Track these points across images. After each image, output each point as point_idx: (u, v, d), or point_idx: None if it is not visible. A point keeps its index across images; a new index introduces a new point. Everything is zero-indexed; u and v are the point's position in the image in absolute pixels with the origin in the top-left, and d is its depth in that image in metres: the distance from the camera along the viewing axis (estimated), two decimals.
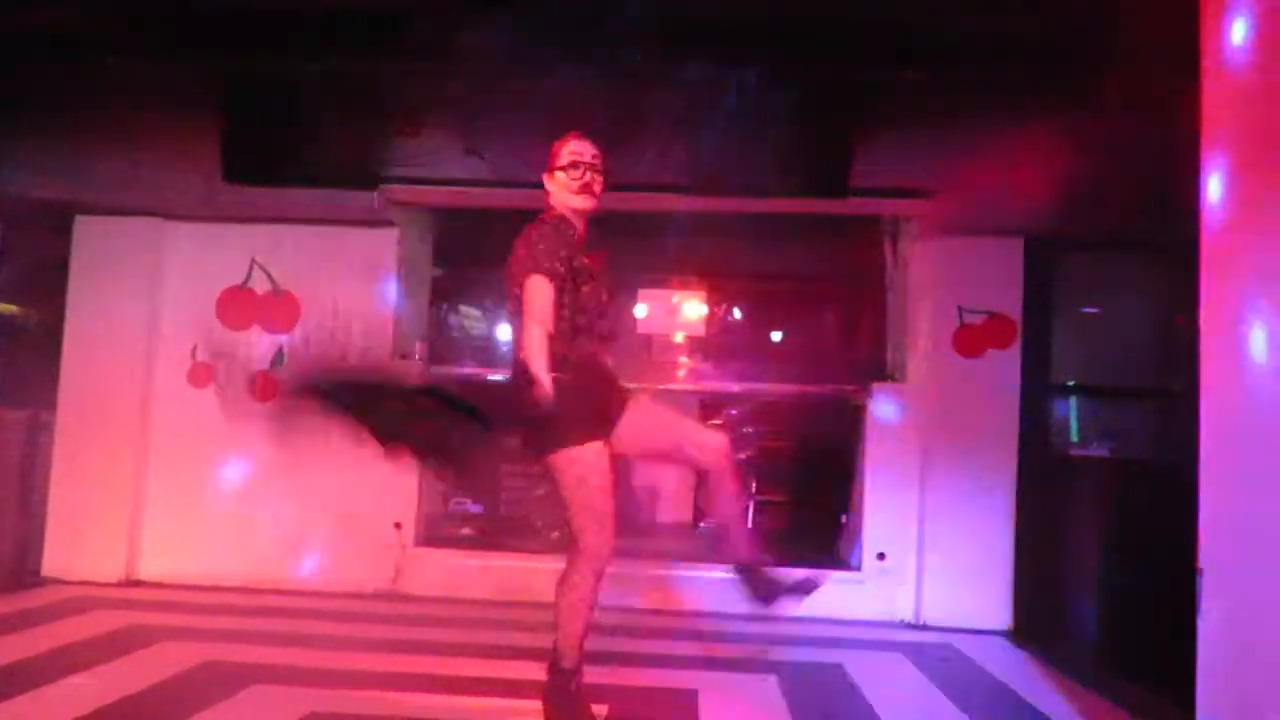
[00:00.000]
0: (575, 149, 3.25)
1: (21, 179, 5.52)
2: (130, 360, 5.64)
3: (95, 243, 5.69)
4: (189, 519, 5.63)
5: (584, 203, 3.24)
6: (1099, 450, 5.40)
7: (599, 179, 3.25)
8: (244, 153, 5.21)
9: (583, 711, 3.22)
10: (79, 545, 5.53)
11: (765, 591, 3.50)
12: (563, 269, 3.10)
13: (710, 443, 3.37)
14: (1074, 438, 5.82)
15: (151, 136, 5.43)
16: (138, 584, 5.55)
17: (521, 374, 3.05)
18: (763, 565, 3.51)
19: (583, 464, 3.10)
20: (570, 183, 3.22)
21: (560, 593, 3.15)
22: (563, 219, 3.24)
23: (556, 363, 3.06)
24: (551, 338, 3.05)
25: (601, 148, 3.30)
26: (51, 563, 5.54)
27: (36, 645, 4.14)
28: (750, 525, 3.53)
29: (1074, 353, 5.66)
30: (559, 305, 3.11)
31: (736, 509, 3.62)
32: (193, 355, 5.69)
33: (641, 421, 3.29)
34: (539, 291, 3.04)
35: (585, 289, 3.18)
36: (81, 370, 5.63)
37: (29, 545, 5.57)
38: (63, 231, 5.71)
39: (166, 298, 5.74)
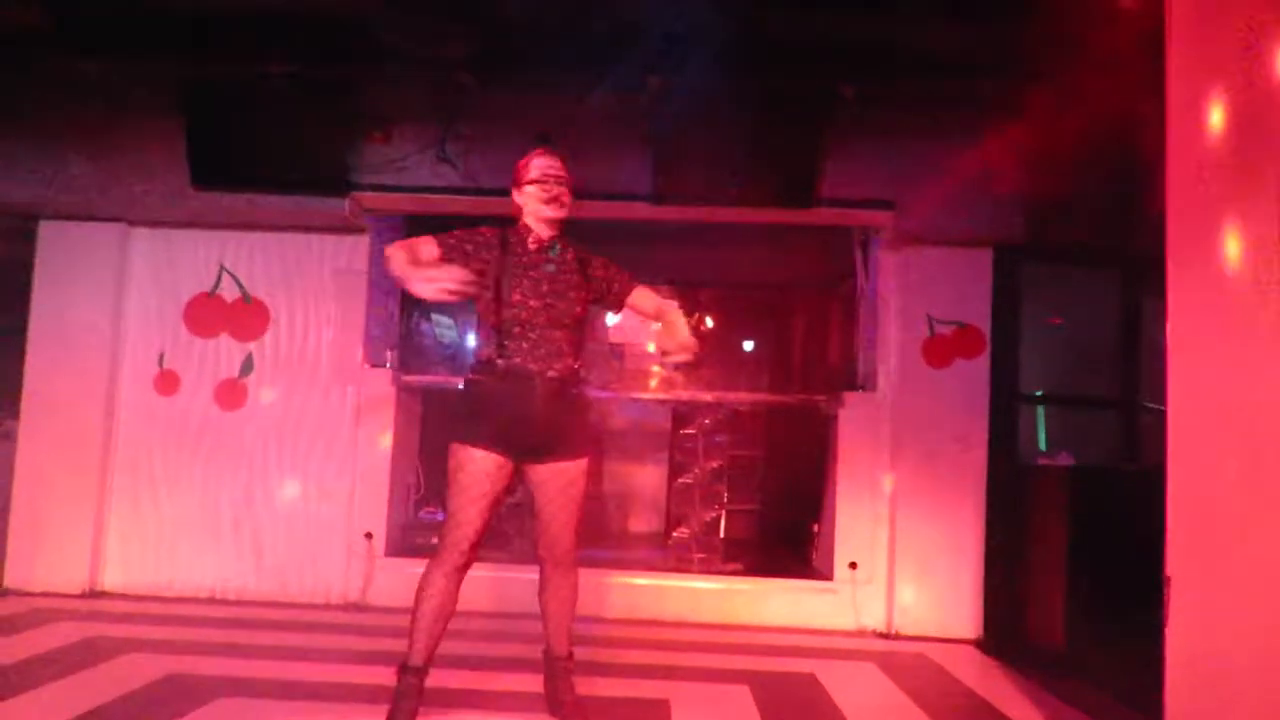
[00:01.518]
0: (541, 164, 3.38)
1: None
2: (95, 367, 5.56)
3: (60, 248, 5.60)
4: (154, 528, 5.56)
5: (554, 211, 3.35)
6: (1065, 459, 5.45)
7: (566, 192, 3.36)
8: (211, 157, 5.17)
9: None
10: (41, 555, 5.44)
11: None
12: (469, 246, 3.26)
13: (560, 547, 3.38)
14: (1041, 446, 5.88)
15: (118, 140, 5.39)
16: (102, 595, 5.46)
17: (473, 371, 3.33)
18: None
19: (454, 460, 3.23)
20: (540, 194, 3.33)
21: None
22: (511, 228, 3.38)
23: (479, 365, 3.31)
24: (483, 339, 3.32)
25: (566, 161, 3.41)
26: (14, 573, 5.44)
27: None
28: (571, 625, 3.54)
29: (1041, 362, 5.72)
30: (490, 309, 3.27)
31: (559, 619, 3.51)
32: (159, 363, 5.62)
33: (550, 478, 3.32)
34: (419, 239, 3.26)
35: (514, 296, 3.25)
36: (45, 377, 5.54)
37: None
38: (27, 236, 5.62)
39: (133, 304, 5.67)
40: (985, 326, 5.39)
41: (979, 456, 5.31)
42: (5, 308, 5.97)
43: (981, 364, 5.38)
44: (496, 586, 5.25)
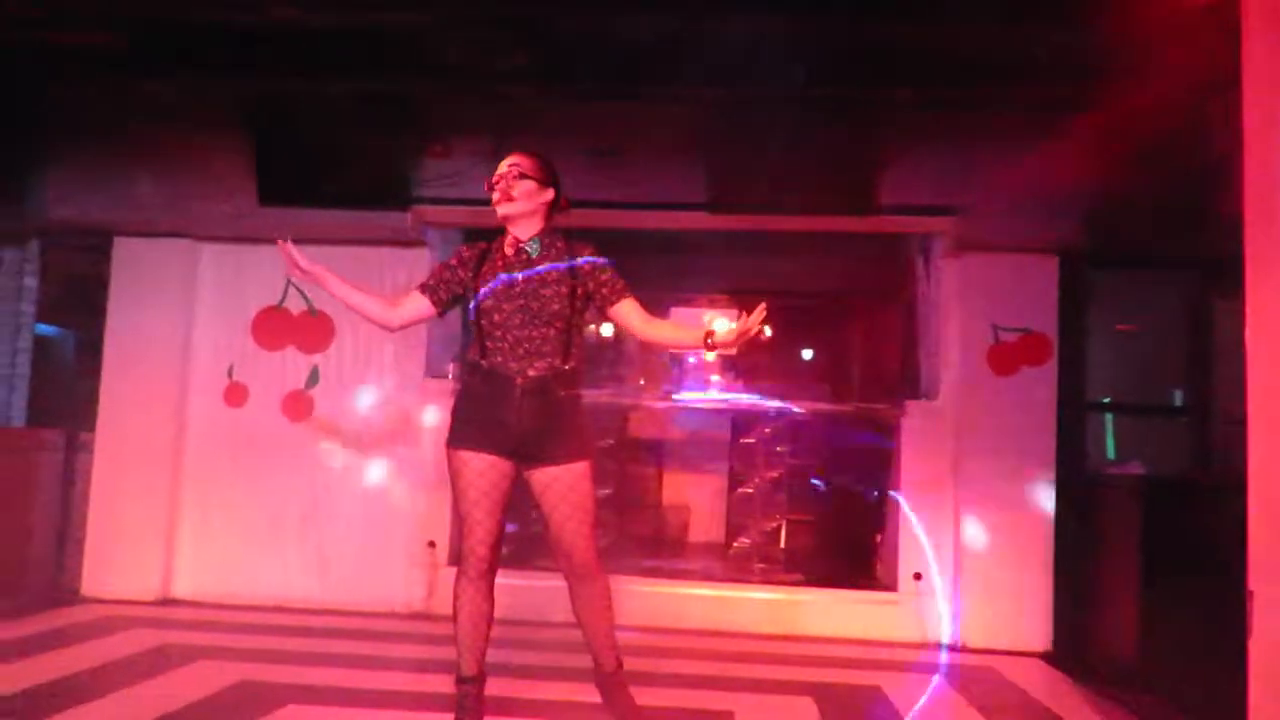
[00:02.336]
0: (498, 167, 3.39)
1: (59, 200, 5.62)
2: (166, 380, 5.70)
3: (133, 264, 5.75)
4: (223, 538, 5.67)
5: (500, 210, 3.36)
6: (1135, 468, 5.33)
7: (517, 184, 3.33)
8: (278, 174, 5.29)
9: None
10: (116, 564, 5.58)
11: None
12: (446, 275, 3.43)
13: (576, 557, 3.32)
14: (1110, 455, 5.76)
15: (186, 158, 5.52)
16: (174, 602, 5.58)
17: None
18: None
19: (450, 464, 3.29)
20: (491, 195, 3.37)
21: None
22: (499, 238, 3.42)
23: (466, 368, 3.41)
24: (468, 341, 3.42)
25: (536, 154, 3.41)
26: (90, 581, 5.59)
27: (75, 664, 4.17)
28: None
29: (1109, 369, 5.61)
30: (465, 312, 3.41)
31: (595, 631, 3.43)
32: (228, 375, 5.75)
33: (549, 485, 3.27)
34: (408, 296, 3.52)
35: (486, 301, 3.29)
36: (119, 390, 5.69)
37: (68, 564, 5.64)
38: (102, 252, 5.79)
39: (202, 318, 5.80)
40: (1051, 333, 5.30)
41: (1046, 465, 5.22)
42: (84, 323, 6.16)
43: (1048, 371, 5.28)
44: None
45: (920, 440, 5.49)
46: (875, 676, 4.51)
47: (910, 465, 5.50)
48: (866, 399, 6.69)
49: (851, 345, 8.39)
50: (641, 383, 7.66)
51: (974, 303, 5.39)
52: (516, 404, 3.22)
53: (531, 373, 3.24)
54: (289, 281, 5.74)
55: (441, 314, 3.52)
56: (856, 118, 5.06)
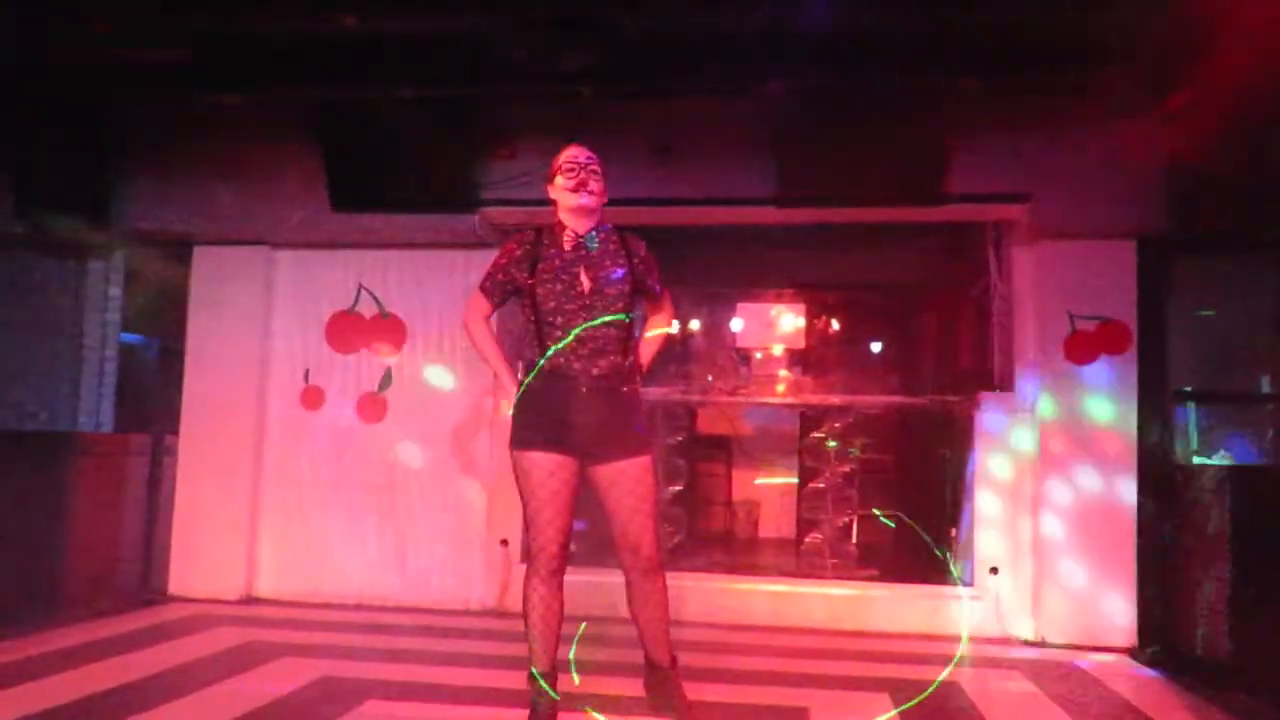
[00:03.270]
0: (570, 154, 3.37)
1: (142, 213, 5.81)
2: (246, 384, 5.84)
3: (211, 272, 5.92)
4: (303, 537, 5.80)
5: (579, 200, 3.31)
6: (1221, 458, 5.17)
7: (594, 179, 3.33)
8: (349, 181, 5.39)
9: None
10: (201, 564, 5.74)
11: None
12: (502, 278, 3.38)
13: (643, 552, 3.30)
14: (1193, 445, 5.59)
15: (260, 167, 5.67)
16: (256, 601, 5.73)
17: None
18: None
19: (517, 466, 3.28)
20: (567, 182, 3.32)
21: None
22: (547, 229, 3.39)
23: (526, 368, 3.31)
24: (527, 341, 3.32)
25: (599, 156, 3.40)
26: (176, 580, 5.77)
27: (162, 661, 4.30)
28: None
29: (1191, 357, 5.44)
30: (524, 310, 3.35)
31: (656, 628, 3.39)
32: (304, 378, 5.87)
33: (615, 480, 3.26)
34: (470, 303, 3.50)
35: (550, 303, 3.25)
36: (201, 394, 5.85)
37: (155, 564, 5.82)
38: (183, 261, 5.97)
39: (279, 323, 5.94)
40: (1131, 321, 5.15)
41: (1127, 456, 5.08)
42: (166, 330, 6.35)
43: (1128, 360, 5.14)
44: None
45: (995, 432, 5.39)
46: (952, 673, 4.43)
47: (986, 457, 5.40)
48: (938, 392, 6.58)
49: (922, 338, 8.26)
50: (710, 379, 7.63)
51: (1049, 291, 5.27)
52: (583, 404, 3.21)
53: (596, 372, 3.22)
54: (360, 285, 5.85)
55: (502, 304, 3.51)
56: (922, 106, 4.99)
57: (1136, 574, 5.02)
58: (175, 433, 5.87)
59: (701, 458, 7.96)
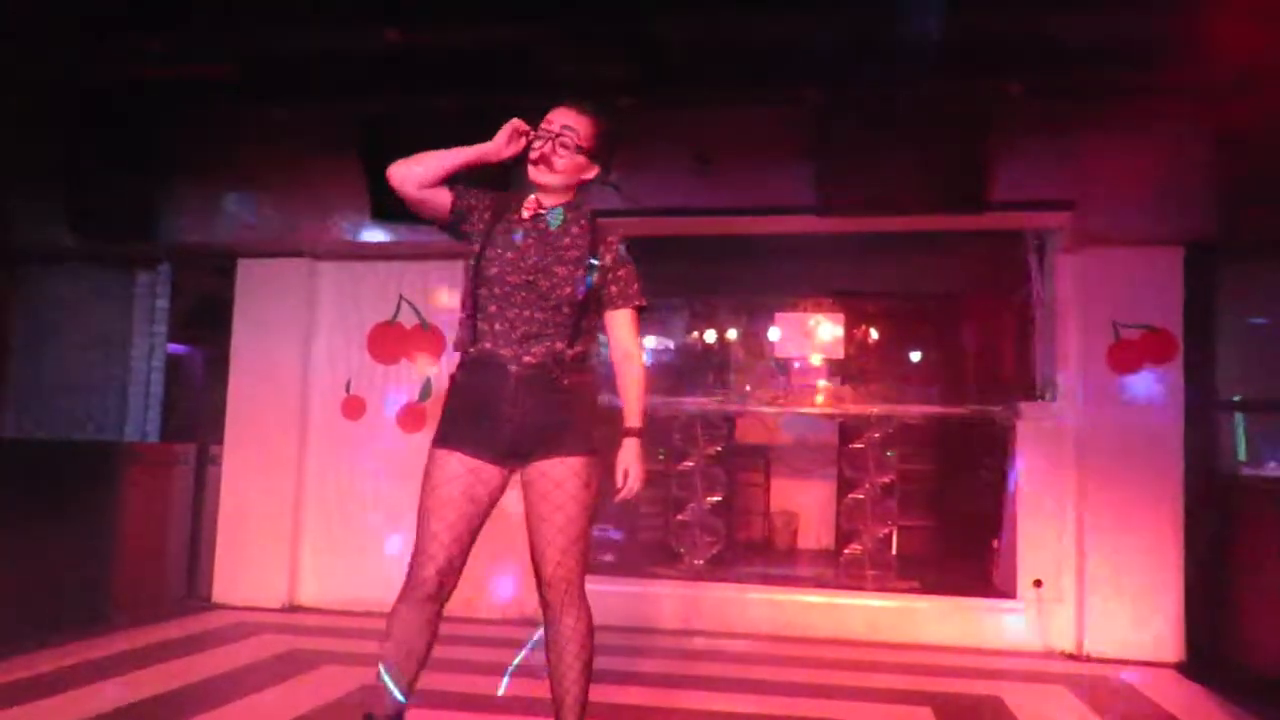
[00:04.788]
0: (548, 117, 2.83)
1: (187, 226, 5.91)
2: (288, 394, 5.91)
3: (254, 283, 5.99)
4: (345, 546, 5.83)
5: (534, 173, 2.80)
6: (1274, 469, 5.06)
7: (564, 153, 2.77)
8: (389, 192, 5.41)
9: None
10: (245, 572, 5.81)
11: None
12: (472, 203, 2.82)
13: (544, 573, 2.83)
14: (1241, 456, 5.48)
15: (302, 180, 5.75)
16: (299, 609, 5.78)
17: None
18: None
19: (428, 463, 2.78)
20: (531, 151, 2.79)
21: None
22: (520, 196, 2.87)
23: (457, 347, 2.83)
24: (460, 321, 2.81)
25: (596, 121, 2.84)
26: (220, 588, 5.83)
27: (206, 669, 4.37)
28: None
29: (1240, 365, 5.34)
30: (465, 276, 2.88)
31: (566, 681, 2.83)
32: (346, 389, 5.93)
33: (532, 481, 2.81)
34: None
35: (491, 269, 2.72)
36: (245, 404, 5.93)
37: (200, 572, 5.90)
38: (227, 274, 6.06)
39: (321, 334, 6.00)
40: (1177, 329, 5.07)
41: (1173, 466, 4.99)
42: (211, 341, 6.45)
43: (1174, 369, 5.06)
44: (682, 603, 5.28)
45: (1037, 442, 5.32)
46: (995, 686, 4.38)
47: (1028, 467, 5.34)
48: (980, 401, 6.52)
49: (963, 347, 8.19)
50: (748, 389, 7.62)
51: (1093, 299, 5.20)
52: (511, 396, 2.69)
53: (528, 359, 2.69)
54: (400, 296, 5.90)
55: (445, 220, 2.86)
56: (963, 113, 4.96)
57: (1184, 587, 4.93)
58: (220, 442, 5.95)
59: (740, 468, 7.94)
